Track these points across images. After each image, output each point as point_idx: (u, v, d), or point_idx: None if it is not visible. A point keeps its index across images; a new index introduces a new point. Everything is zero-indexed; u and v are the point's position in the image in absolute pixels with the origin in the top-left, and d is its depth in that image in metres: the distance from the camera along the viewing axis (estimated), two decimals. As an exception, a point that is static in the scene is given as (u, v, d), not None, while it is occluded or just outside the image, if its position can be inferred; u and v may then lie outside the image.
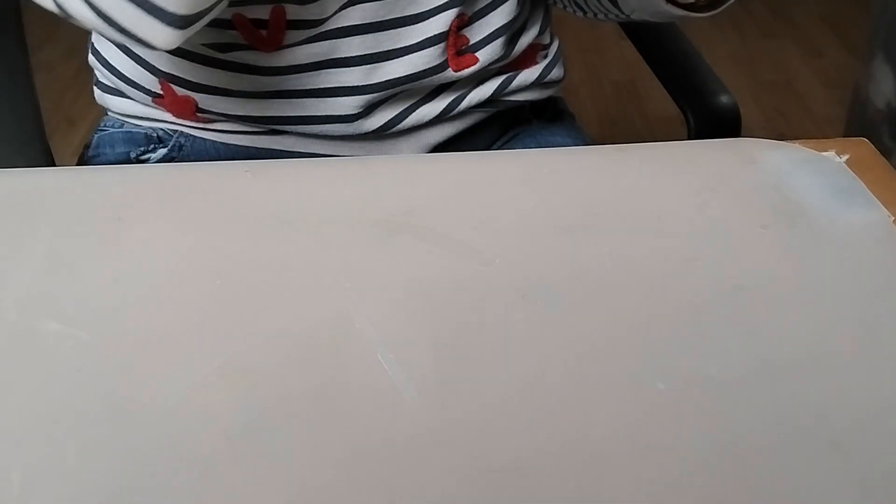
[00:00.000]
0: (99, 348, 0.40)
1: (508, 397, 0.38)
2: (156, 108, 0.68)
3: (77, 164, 0.73)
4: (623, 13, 0.65)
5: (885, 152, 0.53)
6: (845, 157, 0.52)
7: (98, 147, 0.72)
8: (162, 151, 0.70)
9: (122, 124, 0.72)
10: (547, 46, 0.74)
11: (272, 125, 0.66)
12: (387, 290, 0.43)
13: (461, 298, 0.42)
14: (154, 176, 0.51)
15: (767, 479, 0.34)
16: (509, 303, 0.42)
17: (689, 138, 0.77)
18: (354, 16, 0.61)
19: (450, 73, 0.65)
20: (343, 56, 0.62)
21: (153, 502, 0.34)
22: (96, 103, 0.73)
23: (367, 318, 0.41)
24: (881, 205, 0.49)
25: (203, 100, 0.65)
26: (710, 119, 0.77)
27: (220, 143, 0.69)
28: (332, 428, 0.36)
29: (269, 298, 0.42)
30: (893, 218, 0.48)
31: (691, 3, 0.60)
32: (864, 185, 0.50)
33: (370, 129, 0.65)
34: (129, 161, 0.69)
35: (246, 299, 0.42)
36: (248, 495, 0.34)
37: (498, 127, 0.76)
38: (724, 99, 0.77)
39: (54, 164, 0.70)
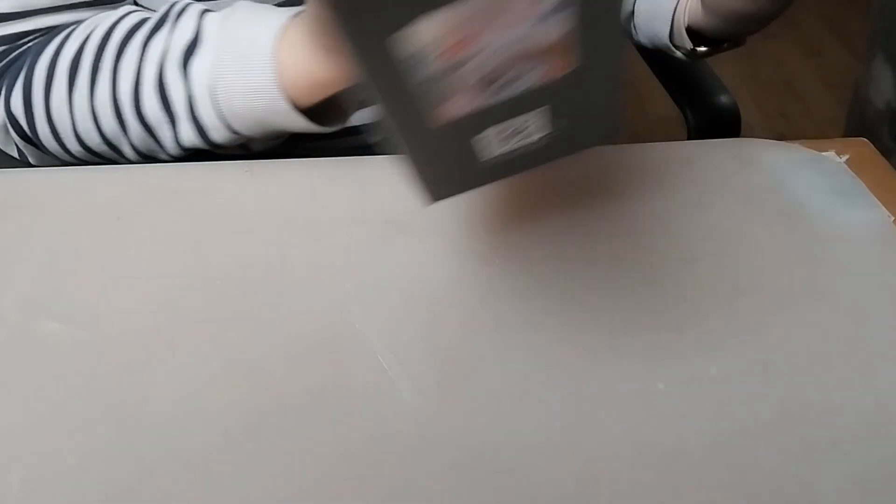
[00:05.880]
0: (99, 348, 0.40)
1: (508, 397, 0.38)
2: None
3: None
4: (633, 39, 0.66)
5: (885, 152, 0.53)
6: (845, 157, 0.52)
7: None
8: None
9: None
10: None
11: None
12: (387, 290, 0.43)
13: (461, 298, 0.42)
14: (154, 176, 0.51)
15: (767, 478, 0.34)
16: (509, 303, 0.42)
17: (689, 138, 0.77)
18: None
19: None
20: None
21: (153, 502, 0.34)
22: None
23: (367, 318, 0.41)
24: (881, 205, 0.49)
25: None
26: (709, 119, 0.78)
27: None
28: (332, 428, 0.36)
29: (269, 298, 0.42)
30: (893, 218, 0.48)
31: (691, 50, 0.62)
32: (864, 185, 0.50)
33: (373, 142, 0.65)
34: None
35: (246, 299, 0.42)
36: (247, 495, 0.34)
37: None
38: (723, 99, 0.77)
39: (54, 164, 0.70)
